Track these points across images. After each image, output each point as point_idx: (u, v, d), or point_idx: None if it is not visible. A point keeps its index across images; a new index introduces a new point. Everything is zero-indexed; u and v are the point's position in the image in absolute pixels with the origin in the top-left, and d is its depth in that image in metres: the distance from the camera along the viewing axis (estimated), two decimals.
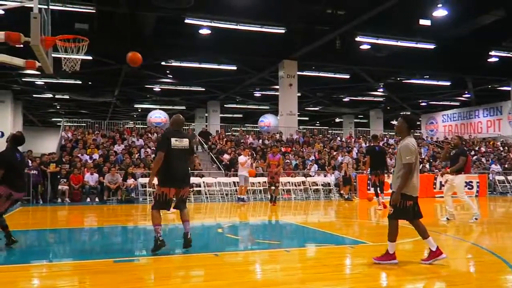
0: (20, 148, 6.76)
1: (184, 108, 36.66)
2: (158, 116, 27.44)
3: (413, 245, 6.99)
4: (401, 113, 37.54)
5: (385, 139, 25.04)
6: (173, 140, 5.99)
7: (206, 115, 34.21)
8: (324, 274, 4.98)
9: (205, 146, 20.65)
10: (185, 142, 6.10)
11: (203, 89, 29.26)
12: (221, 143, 20.15)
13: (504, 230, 8.55)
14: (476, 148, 24.32)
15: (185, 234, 6.06)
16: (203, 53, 21.24)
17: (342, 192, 16.51)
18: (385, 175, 12.66)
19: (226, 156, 18.21)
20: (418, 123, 38.08)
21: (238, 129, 26.64)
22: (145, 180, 14.84)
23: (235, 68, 23.48)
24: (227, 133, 23.56)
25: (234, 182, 15.88)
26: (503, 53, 21.29)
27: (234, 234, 8.41)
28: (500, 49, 20.99)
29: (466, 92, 30.50)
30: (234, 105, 35.46)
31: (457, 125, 32.89)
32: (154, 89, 29.63)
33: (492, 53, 21.49)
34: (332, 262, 5.63)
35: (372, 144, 14.34)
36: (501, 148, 25.61)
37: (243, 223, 10.26)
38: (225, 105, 34.56)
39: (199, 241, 7.78)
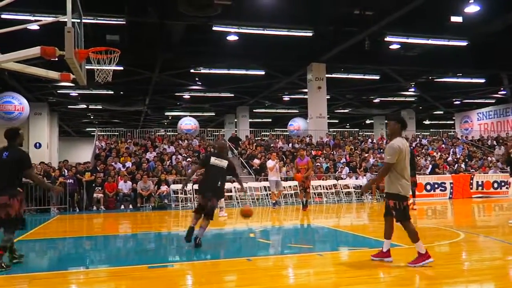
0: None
1: (214, 114, 36.93)
2: (188, 123, 27.76)
3: (448, 247, 6.82)
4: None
5: (418, 139, 24.56)
6: (212, 159, 7.29)
7: (236, 120, 34.36)
8: (358, 278, 4.91)
9: (235, 151, 20.74)
10: (224, 163, 7.28)
11: (232, 95, 29.42)
12: (251, 148, 20.21)
13: None
14: None
15: (195, 238, 6.83)
16: (231, 59, 21.38)
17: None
18: (416, 176, 12.47)
19: (256, 161, 18.23)
20: (452, 122, 37.19)
21: (268, 133, 26.64)
22: (177, 186, 15.03)
23: (263, 73, 23.52)
24: (256, 138, 23.59)
25: (264, 187, 15.87)
26: None
27: (266, 238, 8.40)
28: None
29: (502, 88, 29.55)
30: (263, 110, 35.47)
31: (493, 123, 31.87)
32: (183, 96, 30.00)
33: None
34: (366, 266, 5.54)
35: None
36: None
37: (275, 227, 10.24)
38: (254, 110, 34.61)
39: (232, 246, 7.82)
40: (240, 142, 21.59)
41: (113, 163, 17.03)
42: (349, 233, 8.90)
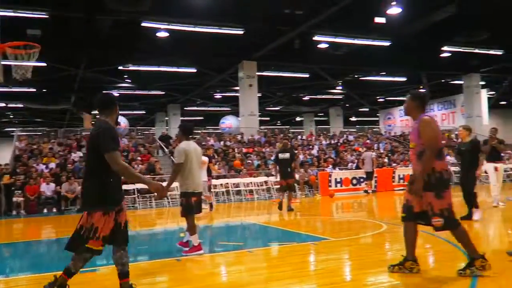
0: None
1: (144, 112, 36.10)
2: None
3: (372, 239, 7.12)
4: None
5: (345, 135, 25.49)
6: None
7: (167, 118, 33.80)
8: (288, 272, 5.00)
9: (166, 150, 20.39)
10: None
11: (163, 93, 28.90)
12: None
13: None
14: None
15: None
16: (161, 57, 20.95)
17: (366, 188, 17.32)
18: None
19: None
20: (377, 118, 38.92)
21: (199, 131, 26.45)
22: None
23: (194, 70, 23.30)
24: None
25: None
26: (454, 48, 22.00)
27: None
28: (452, 44, 21.69)
29: (421, 87, 31.40)
30: (195, 108, 35.20)
31: None
32: (111, 94, 28.96)
33: (445, 48, 22.17)
34: (295, 260, 5.66)
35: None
36: (455, 140, 26.52)
37: (205, 226, 10.18)
38: (185, 108, 34.24)
39: (161, 246, 7.67)
40: (170, 141, 21.23)
41: (35, 165, 16.11)
42: (280, 229, 9.05)
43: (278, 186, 12.88)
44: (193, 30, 17.30)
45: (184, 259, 5.97)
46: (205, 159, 11.24)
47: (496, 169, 9.86)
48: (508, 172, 20.45)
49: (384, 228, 8.09)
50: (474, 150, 8.48)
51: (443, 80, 29.96)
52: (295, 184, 12.19)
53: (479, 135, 24.17)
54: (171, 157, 19.36)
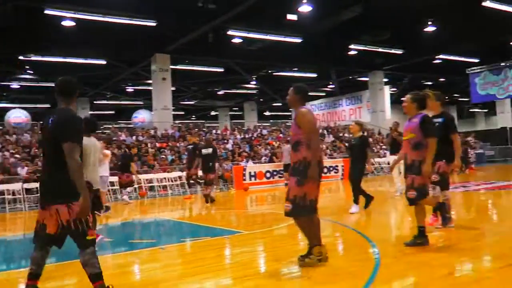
0: None
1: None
2: (18, 115, 24.80)
3: (285, 230, 7.28)
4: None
5: (259, 129, 25.87)
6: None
7: None
8: (202, 267, 4.93)
9: None
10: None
11: None
12: None
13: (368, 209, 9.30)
14: (341, 135, 26.28)
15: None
16: (67, 47, 19.70)
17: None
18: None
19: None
20: (289, 113, 39.95)
21: (110, 126, 25.39)
22: (6, 186, 13.43)
23: (104, 62, 22.26)
24: (97, 131, 22.25)
25: (112, 182, 15.06)
26: (361, 46, 23.22)
27: (106, 236, 7.97)
28: (359, 43, 22.87)
29: (331, 83, 32.79)
30: (105, 102, 33.75)
31: (324, 113, 35.23)
32: (11, 86, 26.83)
33: (352, 46, 23.32)
34: (209, 255, 5.61)
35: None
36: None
37: (117, 224, 9.80)
38: (95, 102, 32.72)
39: (67, 247, 7.23)
40: None
41: None
42: (194, 224, 8.94)
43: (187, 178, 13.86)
44: (102, 20, 16.49)
45: None
46: (107, 152, 10.69)
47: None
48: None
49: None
50: (362, 145, 8.75)
51: (350, 77, 31.50)
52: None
53: (382, 129, 25.85)
54: None
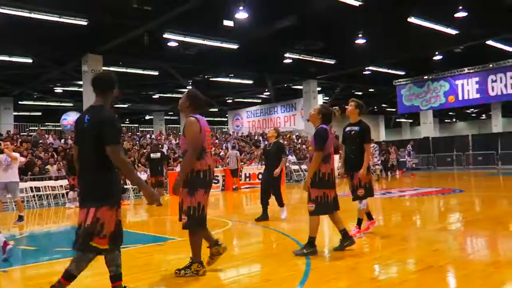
0: None
1: None
2: None
3: (219, 236, 7.27)
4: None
5: None
6: None
7: None
8: (132, 276, 4.80)
9: None
10: None
11: None
12: (15, 144, 17.91)
13: (298, 214, 9.51)
14: None
15: None
16: None
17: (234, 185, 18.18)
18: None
19: (21, 159, 16.24)
20: (226, 119, 40.07)
21: (36, 128, 24.10)
22: None
23: (30, 61, 21.12)
24: (22, 134, 21.09)
25: (31, 187, 14.27)
26: (295, 55, 23.78)
27: (30, 245, 7.55)
28: (293, 51, 23.41)
29: (266, 90, 33.27)
30: (32, 102, 32.01)
31: (260, 120, 35.66)
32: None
33: (287, 55, 23.82)
34: (139, 262, 5.47)
35: None
36: (296, 141, 28.71)
37: (43, 231, 9.31)
38: (20, 102, 30.90)
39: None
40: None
41: None
42: (125, 231, 8.67)
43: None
44: (28, 16, 15.62)
45: (11, 270, 5.35)
46: (15, 155, 9.96)
47: None
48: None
49: (229, 225, 8.34)
50: (278, 150, 8.66)
51: (285, 85, 32.14)
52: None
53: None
54: None
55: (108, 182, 3.58)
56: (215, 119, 44.23)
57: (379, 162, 19.64)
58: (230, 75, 28.34)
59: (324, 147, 5.34)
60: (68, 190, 13.91)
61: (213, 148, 21.83)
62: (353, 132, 6.29)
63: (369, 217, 6.65)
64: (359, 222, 6.37)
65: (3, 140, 18.32)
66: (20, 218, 9.94)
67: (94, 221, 3.53)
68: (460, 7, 17.81)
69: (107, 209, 3.56)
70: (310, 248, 5.33)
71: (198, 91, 4.86)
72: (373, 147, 18.25)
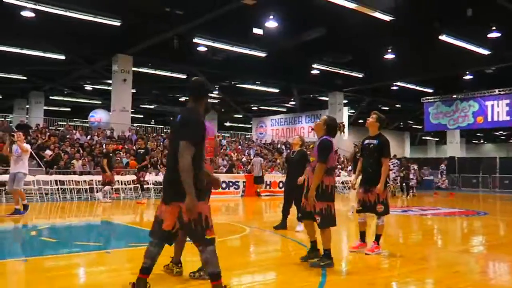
0: None
1: (0, 97, 32.59)
2: None
3: (237, 241, 7.26)
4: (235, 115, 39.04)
5: (218, 139, 25.79)
6: None
7: (28, 106, 30.86)
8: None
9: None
10: None
11: (24, 78, 26.32)
12: (43, 137, 18.36)
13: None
14: None
15: None
16: (24, 38, 18.99)
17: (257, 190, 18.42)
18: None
19: (48, 152, 16.64)
20: (250, 125, 40.17)
21: (65, 123, 24.61)
22: None
23: (63, 57, 21.63)
24: (51, 128, 21.56)
25: (56, 181, 14.57)
26: (322, 66, 23.72)
27: (50, 237, 7.69)
28: (321, 63, 23.35)
29: (292, 99, 33.26)
30: (62, 98, 32.74)
31: (283, 129, 35.62)
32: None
33: (314, 66, 23.79)
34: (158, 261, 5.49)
35: None
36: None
37: (64, 224, 9.47)
38: (50, 97, 31.65)
39: (7, 245, 6.92)
40: (30, 131, 19.39)
41: None
42: (144, 229, 8.76)
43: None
44: (64, 14, 16.02)
45: (31, 259, 5.46)
46: (27, 146, 9.89)
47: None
48: None
49: (247, 231, 8.33)
50: (301, 159, 8.44)
51: (311, 95, 32.06)
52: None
53: (340, 149, 26.39)
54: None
55: (198, 178, 3.64)
56: (239, 125, 44.38)
57: (398, 178, 19.21)
58: (257, 82, 28.44)
59: (328, 160, 5.30)
60: (102, 186, 14.27)
61: (235, 154, 21.91)
62: (372, 145, 6.20)
63: (362, 238, 6.39)
64: (377, 238, 6.26)
65: (29, 131, 18.79)
66: (17, 211, 9.72)
67: (199, 216, 3.64)
68: (494, 28, 17.52)
69: (203, 203, 3.71)
70: (326, 260, 5.26)
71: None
72: (393, 163, 17.97)
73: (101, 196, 13.95)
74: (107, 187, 14.09)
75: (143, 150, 14.14)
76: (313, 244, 5.55)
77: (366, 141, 6.35)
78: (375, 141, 6.19)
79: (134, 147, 19.09)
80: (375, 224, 6.26)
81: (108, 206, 12.95)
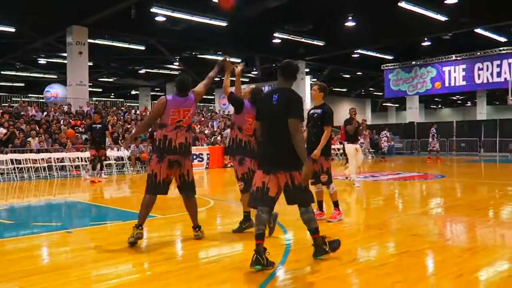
0: None
1: None
2: None
3: (206, 213, 7.25)
4: None
5: None
6: None
7: None
8: (110, 253, 4.76)
9: None
10: None
11: None
12: None
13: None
14: None
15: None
16: None
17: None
18: None
19: (2, 130, 15.96)
20: (213, 97, 39.80)
21: (19, 100, 23.61)
22: None
23: (13, 30, 20.55)
24: (3, 104, 20.65)
25: (11, 160, 14.03)
26: (284, 35, 23.56)
27: (9, 218, 7.45)
28: (282, 31, 23.19)
29: (254, 69, 33.02)
30: (14, 73, 31.32)
31: None
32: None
33: (276, 34, 23.59)
34: (119, 239, 5.42)
35: None
36: None
37: (21, 205, 9.19)
38: (2, 72, 30.22)
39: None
40: None
41: None
42: (107, 207, 8.63)
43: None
44: None
45: None
46: None
47: (357, 150, 10.62)
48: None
49: (211, 204, 8.32)
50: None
51: (273, 65, 31.91)
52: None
53: None
54: None
55: (294, 150, 4.09)
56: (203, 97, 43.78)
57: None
58: (218, 52, 28.01)
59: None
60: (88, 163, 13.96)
61: (198, 126, 21.71)
62: (316, 114, 6.22)
63: (320, 207, 6.48)
64: (336, 205, 6.35)
65: None
66: None
67: (301, 180, 4.17)
68: None
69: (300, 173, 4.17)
70: (246, 222, 5.67)
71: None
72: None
73: (96, 174, 13.27)
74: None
75: (99, 126, 12.98)
76: (246, 214, 5.70)
77: (312, 111, 6.38)
78: (319, 111, 6.23)
79: (85, 122, 18.37)
80: (328, 193, 6.33)
81: (61, 184, 12.64)
